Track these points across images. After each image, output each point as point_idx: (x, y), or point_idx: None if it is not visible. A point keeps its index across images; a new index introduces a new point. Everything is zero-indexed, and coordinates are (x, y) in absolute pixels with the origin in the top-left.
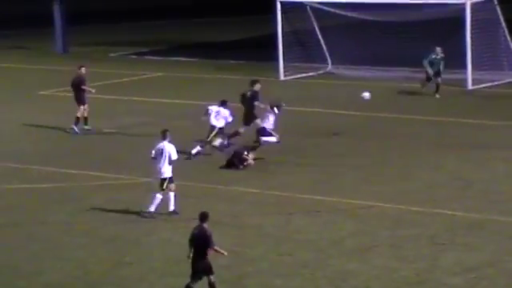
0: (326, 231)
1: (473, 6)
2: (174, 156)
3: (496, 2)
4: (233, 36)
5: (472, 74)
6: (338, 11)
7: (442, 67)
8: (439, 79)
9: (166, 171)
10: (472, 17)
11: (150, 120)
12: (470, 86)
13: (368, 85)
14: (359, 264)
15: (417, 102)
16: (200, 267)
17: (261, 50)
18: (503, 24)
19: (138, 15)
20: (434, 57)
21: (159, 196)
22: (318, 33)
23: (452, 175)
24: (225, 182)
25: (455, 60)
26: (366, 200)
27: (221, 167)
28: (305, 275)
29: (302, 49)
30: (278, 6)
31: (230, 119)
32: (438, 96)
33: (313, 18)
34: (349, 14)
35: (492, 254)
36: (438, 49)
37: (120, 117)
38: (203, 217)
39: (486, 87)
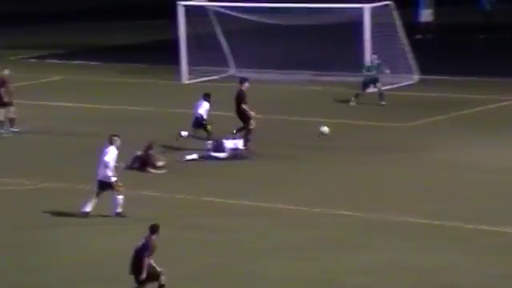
0: (232, 234)
1: (371, 10)
2: (107, 158)
3: (393, 7)
4: (136, 40)
5: None
6: (240, 15)
7: (379, 72)
8: (378, 85)
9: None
10: (371, 21)
11: (50, 124)
12: (369, 89)
13: (271, 88)
14: (265, 266)
15: (317, 104)
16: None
17: (164, 53)
18: (400, 28)
19: (38, 18)
20: (368, 64)
21: (121, 196)
22: (221, 36)
23: (352, 177)
24: (135, 186)
25: (355, 63)
26: (270, 203)
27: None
28: (214, 278)
29: (206, 52)
30: (181, 9)
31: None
32: (383, 103)
33: (215, 22)
34: (251, 17)
35: (392, 254)
36: (374, 56)
37: (20, 121)
38: (154, 228)
39: (386, 90)
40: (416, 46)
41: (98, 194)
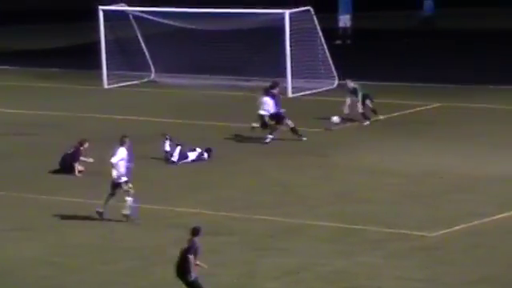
0: (148, 239)
1: (291, 15)
2: (114, 159)
3: (313, 12)
4: (55, 44)
5: (291, 82)
6: (160, 20)
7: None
8: (368, 101)
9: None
10: (290, 26)
11: None
12: (289, 94)
13: (190, 93)
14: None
15: (238, 109)
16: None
17: (84, 57)
18: (320, 33)
19: None
20: (355, 86)
21: (130, 198)
22: (141, 41)
23: (271, 181)
24: (48, 191)
25: (275, 68)
26: (187, 207)
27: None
28: (128, 284)
29: (126, 57)
30: (101, 13)
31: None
32: (381, 117)
33: (135, 27)
34: (172, 22)
35: (309, 258)
36: (348, 81)
37: None
38: (195, 231)
39: (305, 95)
40: (335, 51)
41: (111, 195)
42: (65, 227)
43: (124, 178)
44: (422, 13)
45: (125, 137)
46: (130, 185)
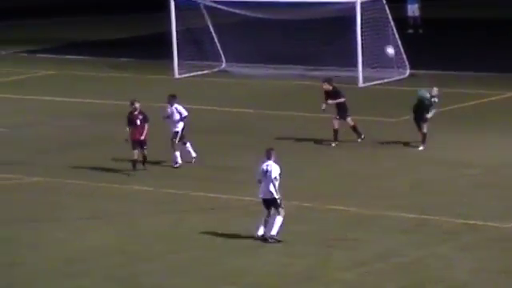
0: (219, 228)
1: (362, 4)
2: (272, 174)
3: (384, 1)
4: (126, 34)
5: (363, 71)
6: (231, 9)
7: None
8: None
9: (273, 192)
10: (362, 16)
11: (43, 119)
12: (361, 84)
13: (262, 83)
14: (252, 260)
15: (308, 99)
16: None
17: (155, 48)
18: (391, 23)
19: (23, 13)
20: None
21: (280, 218)
22: (212, 31)
23: (343, 171)
24: (119, 180)
25: (347, 58)
26: (257, 197)
27: None
28: (201, 273)
29: (197, 47)
30: (172, 3)
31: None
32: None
33: (206, 16)
34: (242, 12)
35: (382, 249)
36: (435, 89)
37: (11, 116)
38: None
39: (377, 84)
40: (407, 40)
41: (267, 215)
42: (139, 215)
43: (278, 195)
44: None
45: (271, 149)
46: (283, 205)
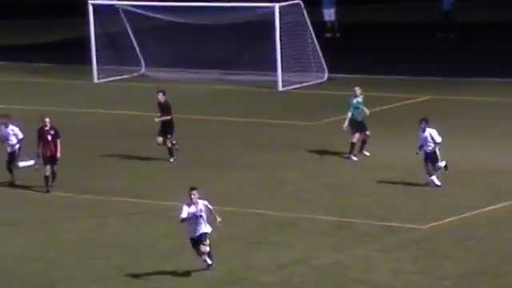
0: (141, 234)
1: (281, 9)
2: None
3: (303, 6)
4: (44, 38)
5: (282, 75)
6: (150, 14)
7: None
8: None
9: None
10: (280, 20)
11: None
12: (280, 88)
13: (181, 87)
14: (174, 265)
15: (227, 103)
16: None
17: (73, 52)
18: (310, 27)
19: None
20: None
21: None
22: (131, 35)
23: (264, 175)
24: (38, 186)
25: (265, 62)
26: (179, 201)
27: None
28: (120, 278)
29: (116, 51)
30: (90, 8)
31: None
32: (367, 154)
33: (125, 21)
34: (162, 16)
35: (303, 251)
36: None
37: None
38: None
39: (295, 88)
40: (325, 44)
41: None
42: (58, 221)
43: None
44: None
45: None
46: None
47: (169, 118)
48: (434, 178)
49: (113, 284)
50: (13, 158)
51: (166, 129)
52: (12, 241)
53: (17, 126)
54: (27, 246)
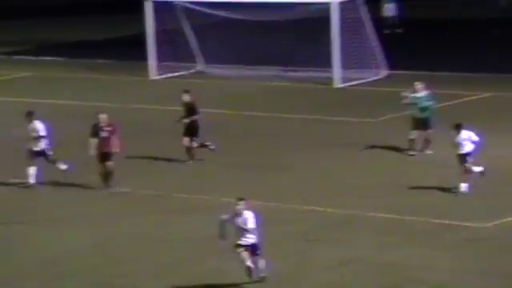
0: (202, 230)
1: (339, 5)
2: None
3: (361, 2)
4: (102, 35)
5: (340, 72)
6: (208, 10)
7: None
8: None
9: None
10: (340, 16)
11: (19, 121)
12: (337, 85)
13: (239, 83)
14: (234, 261)
15: (286, 100)
16: None
17: (131, 49)
18: (369, 23)
19: (4, 14)
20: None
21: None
22: (189, 32)
23: (322, 172)
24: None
25: (324, 58)
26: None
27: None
28: (180, 274)
29: (173, 48)
30: (149, 4)
31: None
32: (429, 151)
33: (183, 17)
34: (219, 13)
35: (362, 249)
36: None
37: None
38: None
39: (353, 85)
40: (384, 41)
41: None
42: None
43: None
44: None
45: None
46: None
47: (196, 117)
48: (462, 184)
49: (174, 279)
50: (44, 155)
51: (192, 130)
52: (75, 236)
53: (42, 122)
54: (90, 242)
